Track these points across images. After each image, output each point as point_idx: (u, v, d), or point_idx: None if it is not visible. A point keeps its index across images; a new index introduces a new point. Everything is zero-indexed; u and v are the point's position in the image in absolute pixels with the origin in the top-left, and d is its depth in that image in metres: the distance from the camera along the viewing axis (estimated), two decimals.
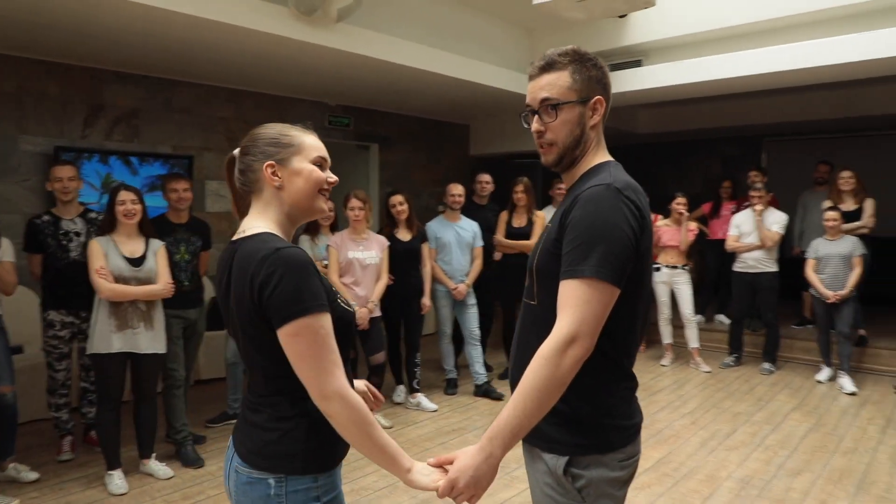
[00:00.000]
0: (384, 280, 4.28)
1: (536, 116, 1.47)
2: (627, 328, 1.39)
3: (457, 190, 4.99)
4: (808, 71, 5.24)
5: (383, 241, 4.33)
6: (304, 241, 4.41)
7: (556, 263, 1.34)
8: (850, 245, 5.11)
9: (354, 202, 4.15)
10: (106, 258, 3.25)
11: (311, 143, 1.47)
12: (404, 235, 4.63)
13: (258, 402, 1.40)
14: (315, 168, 1.45)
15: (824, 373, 5.32)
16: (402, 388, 4.85)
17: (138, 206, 3.35)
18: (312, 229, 4.44)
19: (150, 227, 3.48)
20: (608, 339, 1.34)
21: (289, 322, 1.26)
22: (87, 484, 3.41)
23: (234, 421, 4.14)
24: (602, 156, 1.50)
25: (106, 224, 3.35)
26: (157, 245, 3.47)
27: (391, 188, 7.38)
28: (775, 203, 5.89)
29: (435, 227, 4.94)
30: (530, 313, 1.46)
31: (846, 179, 5.53)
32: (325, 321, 1.28)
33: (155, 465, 3.52)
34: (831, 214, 5.20)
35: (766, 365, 5.62)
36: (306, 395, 1.33)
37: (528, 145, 7.95)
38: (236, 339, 1.42)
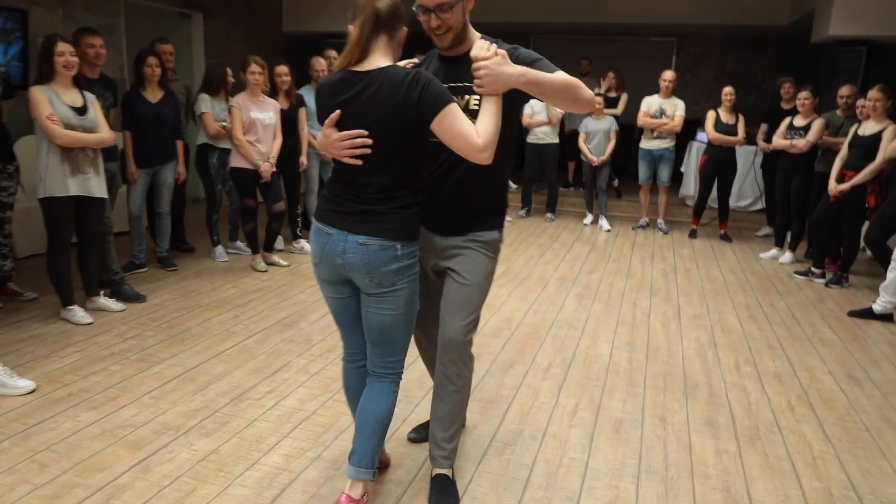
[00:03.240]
0: (279, 139, 4.85)
1: (433, 14, 1.92)
2: (509, 146, 2.10)
3: (320, 66, 5.56)
4: None
5: (276, 104, 4.85)
6: (205, 100, 4.74)
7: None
8: (609, 123, 6.93)
9: (255, 67, 4.57)
10: (52, 106, 3.40)
11: None
12: (284, 103, 5.15)
13: (380, 196, 1.86)
14: None
15: (588, 218, 7.26)
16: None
17: (76, 59, 3.49)
18: (212, 89, 4.79)
19: (83, 79, 3.63)
20: (504, 152, 1.97)
21: (440, 111, 1.77)
22: (45, 321, 3.68)
23: (143, 270, 4.57)
24: (474, 31, 2.08)
25: (45, 74, 3.44)
26: (91, 97, 3.65)
27: (215, 59, 7.48)
28: None
29: (305, 95, 5.50)
30: None
31: (611, 77, 7.32)
32: (456, 104, 1.81)
33: (105, 301, 3.88)
34: (597, 99, 6.93)
35: (549, 214, 7.41)
36: (416, 189, 1.92)
37: (339, 26, 8.48)
38: (374, 149, 1.82)
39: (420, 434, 2.58)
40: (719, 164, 6.42)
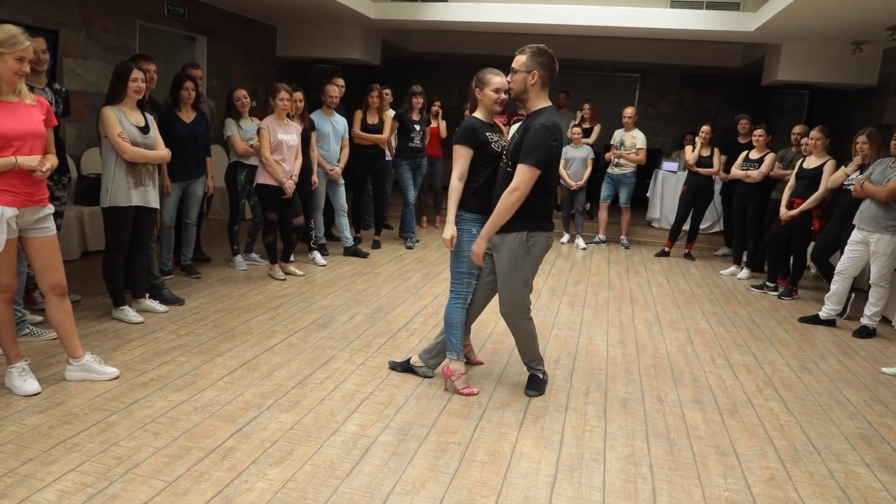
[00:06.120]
0: (300, 159, 5.31)
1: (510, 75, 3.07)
2: (549, 179, 3.05)
3: (334, 92, 6.05)
4: (553, 25, 7.69)
5: (298, 127, 5.32)
6: (231, 124, 5.20)
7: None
8: (586, 151, 7.63)
9: (283, 94, 5.04)
10: (121, 125, 3.80)
11: None
12: (299, 125, 5.62)
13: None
14: None
15: (565, 237, 7.92)
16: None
17: (145, 85, 3.91)
18: (235, 114, 5.25)
19: (144, 101, 4.05)
20: (538, 182, 2.94)
21: (454, 145, 3.02)
22: (98, 320, 4.04)
23: (170, 276, 4.94)
24: (542, 102, 3.02)
25: (116, 95, 3.84)
26: (150, 117, 4.06)
27: (215, 80, 7.90)
28: None
29: (316, 119, 5.98)
30: (507, 176, 3.00)
31: (586, 109, 8.05)
32: (462, 147, 3.10)
33: (150, 303, 4.26)
34: (576, 130, 7.64)
35: None
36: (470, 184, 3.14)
37: (327, 53, 9.01)
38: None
39: (396, 366, 3.57)
40: (697, 192, 7.18)
